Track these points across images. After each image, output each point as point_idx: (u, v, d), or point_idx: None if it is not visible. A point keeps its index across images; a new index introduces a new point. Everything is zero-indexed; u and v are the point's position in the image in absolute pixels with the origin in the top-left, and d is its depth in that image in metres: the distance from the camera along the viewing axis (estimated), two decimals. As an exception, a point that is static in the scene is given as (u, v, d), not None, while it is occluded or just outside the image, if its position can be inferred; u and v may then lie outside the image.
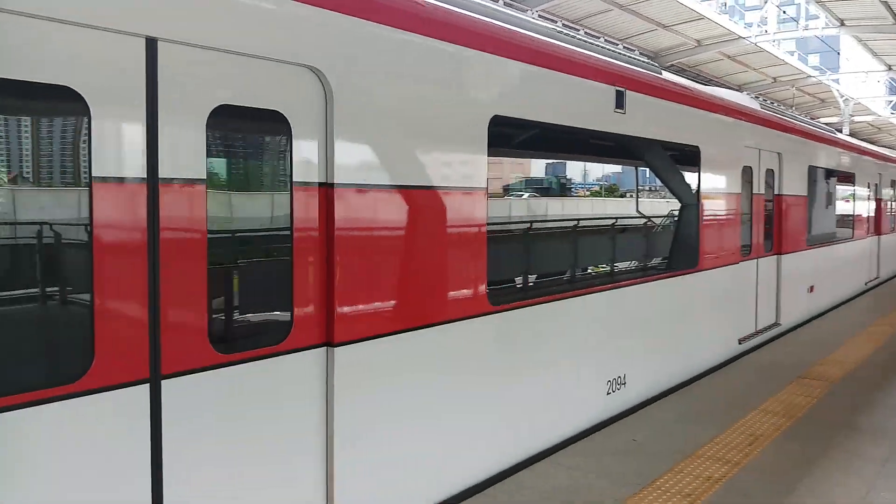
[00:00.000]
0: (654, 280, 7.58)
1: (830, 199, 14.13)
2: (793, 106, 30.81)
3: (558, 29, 7.06)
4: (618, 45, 8.03)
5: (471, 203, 5.08)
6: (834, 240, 14.21)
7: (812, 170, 12.60)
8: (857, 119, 35.55)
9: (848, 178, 15.38)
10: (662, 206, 8.22)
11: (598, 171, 7.38)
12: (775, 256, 10.87)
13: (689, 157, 8.22)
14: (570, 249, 6.71)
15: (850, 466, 5.68)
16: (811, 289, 12.50)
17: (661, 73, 8.17)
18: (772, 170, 10.69)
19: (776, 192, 10.88)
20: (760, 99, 13.40)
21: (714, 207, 8.66)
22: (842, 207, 15.04)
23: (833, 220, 14.36)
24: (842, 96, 31.73)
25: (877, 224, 18.04)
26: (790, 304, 11.41)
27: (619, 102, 6.66)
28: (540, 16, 17.39)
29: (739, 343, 9.65)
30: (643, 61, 7.98)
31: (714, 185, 8.71)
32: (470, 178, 5.08)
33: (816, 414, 7.02)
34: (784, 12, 24.73)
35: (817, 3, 21.20)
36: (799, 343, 10.44)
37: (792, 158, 11.41)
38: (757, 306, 10.22)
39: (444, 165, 4.87)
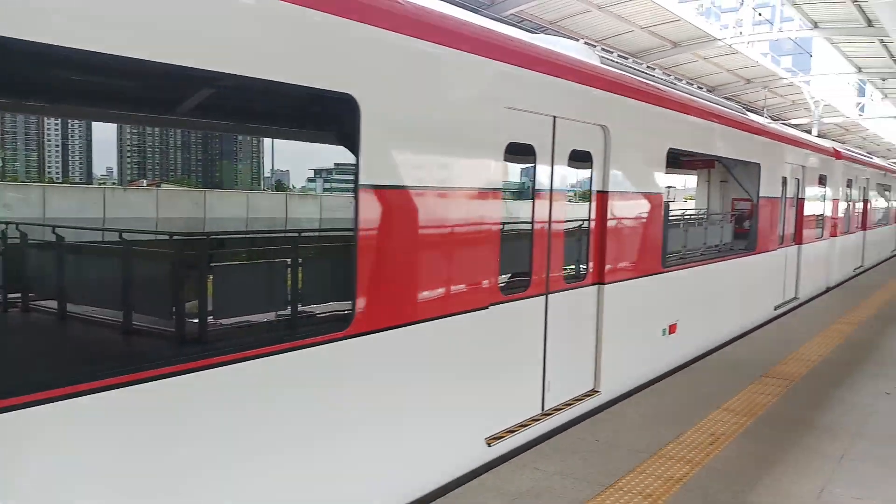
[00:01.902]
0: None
1: (718, 197, 11.11)
2: (765, 108, 31.25)
3: None
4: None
5: None
6: (717, 256, 10.36)
7: (677, 155, 8.94)
8: (826, 121, 36.14)
9: (739, 168, 11.47)
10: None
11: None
12: (594, 287, 7.17)
13: (328, 116, 4.58)
14: None
15: (808, 464, 5.84)
16: (672, 328, 8.74)
17: None
18: (587, 152, 6.91)
19: (599, 188, 7.13)
20: (632, 60, 9.15)
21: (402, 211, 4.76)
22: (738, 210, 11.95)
23: (722, 229, 11.05)
24: (812, 98, 32.19)
25: (797, 232, 14.18)
26: (623, 359, 7.68)
27: None
28: (518, 17, 17.53)
29: (489, 446, 5.74)
30: None
31: (407, 170, 4.73)
32: None
33: (777, 412, 7.18)
34: (759, 14, 25.05)
35: (792, 5, 21.51)
36: (764, 342, 10.63)
37: (637, 137, 7.74)
38: (545, 372, 6.45)
39: None
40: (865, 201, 21.20)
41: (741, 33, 25.89)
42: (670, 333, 8.63)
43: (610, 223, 7.18)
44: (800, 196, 14.10)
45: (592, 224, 7.08)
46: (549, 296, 6.42)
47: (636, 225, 7.78)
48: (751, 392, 7.91)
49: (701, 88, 12.10)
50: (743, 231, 11.76)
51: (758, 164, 11.45)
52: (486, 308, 5.51)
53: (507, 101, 5.61)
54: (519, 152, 5.95)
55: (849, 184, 18.57)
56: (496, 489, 5.21)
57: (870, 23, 20.99)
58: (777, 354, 9.80)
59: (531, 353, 6.27)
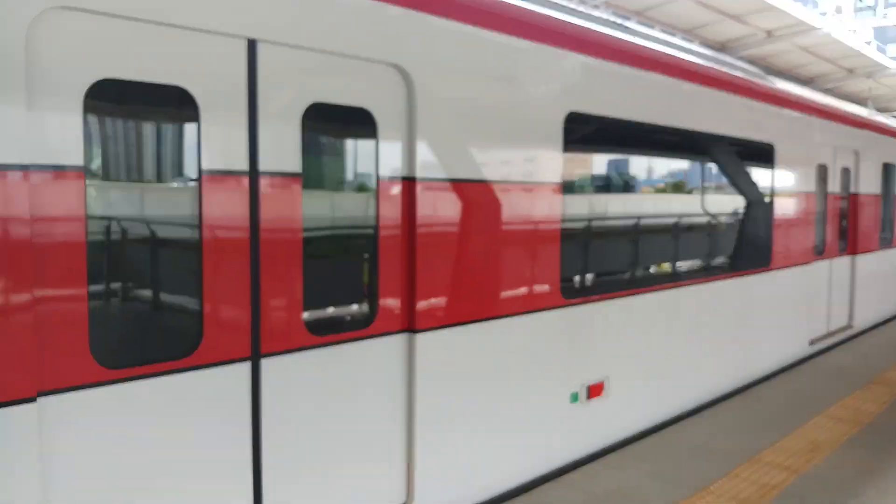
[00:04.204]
0: None
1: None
2: (869, 98, 29.57)
3: None
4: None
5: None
6: (692, 277, 7.01)
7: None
8: (939, 111, 33.92)
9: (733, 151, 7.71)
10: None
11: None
12: (397, 337, 4.35)
13: None
14: None
15: (919, 477, 5.46)
16: (594, 390, 5.85)
17: None
18: (362, 110, 4.17)
19: (402, 174, 4.33)
20: None
21: None
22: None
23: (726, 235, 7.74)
24: (923, 88, 30.30)
25: (850, 238, 10.87)
26: (473, 453, 4.87)
27: None
28: (606, 7, 17.26)
29: None
30: None
31: None
32: None
33: (885, 421, 6.76)
34: (861, 0, 23.82)
35: (897, -11, 20.31)
36: (871, 347, 10.05)
37: (488, 90, 4.74)
38: (262, 499, 3.93)
39: None
40: None
41: (841, 21, 24.61)
42: (591, 398, 5.76)
43: (426, 230, 4.33)
44: (852, 190, 10.82)
45: (390, 233, 4.22)
46: (265, 361, 3.65)
47: (497, 233, 4.84)
48: (856, 399, 7.48)
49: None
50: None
51: (770, 146, 8.33)
52: (30, 402, 2.84)
53: None
54: (152, 101, 3.29)
55: None
56: (583, 489, 5.11)
57: None
58: (885, 361, 9.24)
59: (202, 473, 3.43)
